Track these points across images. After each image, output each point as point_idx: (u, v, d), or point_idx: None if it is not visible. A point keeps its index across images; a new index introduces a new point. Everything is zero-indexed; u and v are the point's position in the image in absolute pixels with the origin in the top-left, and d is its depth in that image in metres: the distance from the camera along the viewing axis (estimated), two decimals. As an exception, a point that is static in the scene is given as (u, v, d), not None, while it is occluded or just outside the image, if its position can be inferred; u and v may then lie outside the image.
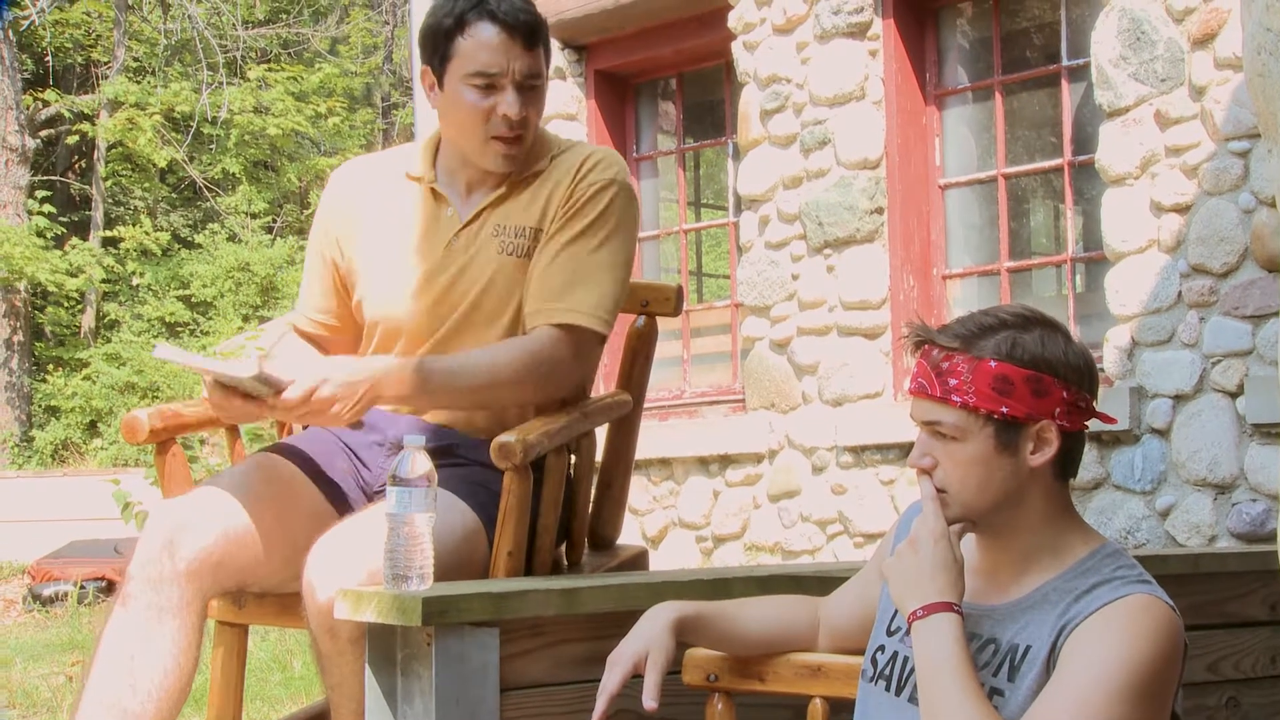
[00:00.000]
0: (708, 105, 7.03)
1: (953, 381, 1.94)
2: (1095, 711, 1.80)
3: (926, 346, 1.99)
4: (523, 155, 2.84)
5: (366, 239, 2.93)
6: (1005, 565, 1.99)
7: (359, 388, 2.59)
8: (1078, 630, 1.86)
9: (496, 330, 2.82)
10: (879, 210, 5.93)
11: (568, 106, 6.94)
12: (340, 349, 3.05)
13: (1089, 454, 5.26)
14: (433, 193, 2.90)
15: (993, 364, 1.93)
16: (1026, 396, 1.92)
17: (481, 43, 2.77)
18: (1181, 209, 5.07)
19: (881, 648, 2.06)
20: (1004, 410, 1.92)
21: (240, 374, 2.56)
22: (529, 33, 2.78)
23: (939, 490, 1.96)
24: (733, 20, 6.32)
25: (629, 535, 3.99)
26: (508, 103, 2.77)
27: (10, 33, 17.96)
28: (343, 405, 2.58)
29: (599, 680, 2.14)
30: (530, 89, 2.80)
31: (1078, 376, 1.95)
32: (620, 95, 7.08)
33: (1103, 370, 5.29)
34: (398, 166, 2.96)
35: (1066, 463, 1.97)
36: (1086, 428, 1.97)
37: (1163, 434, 5.12)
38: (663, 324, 3.26)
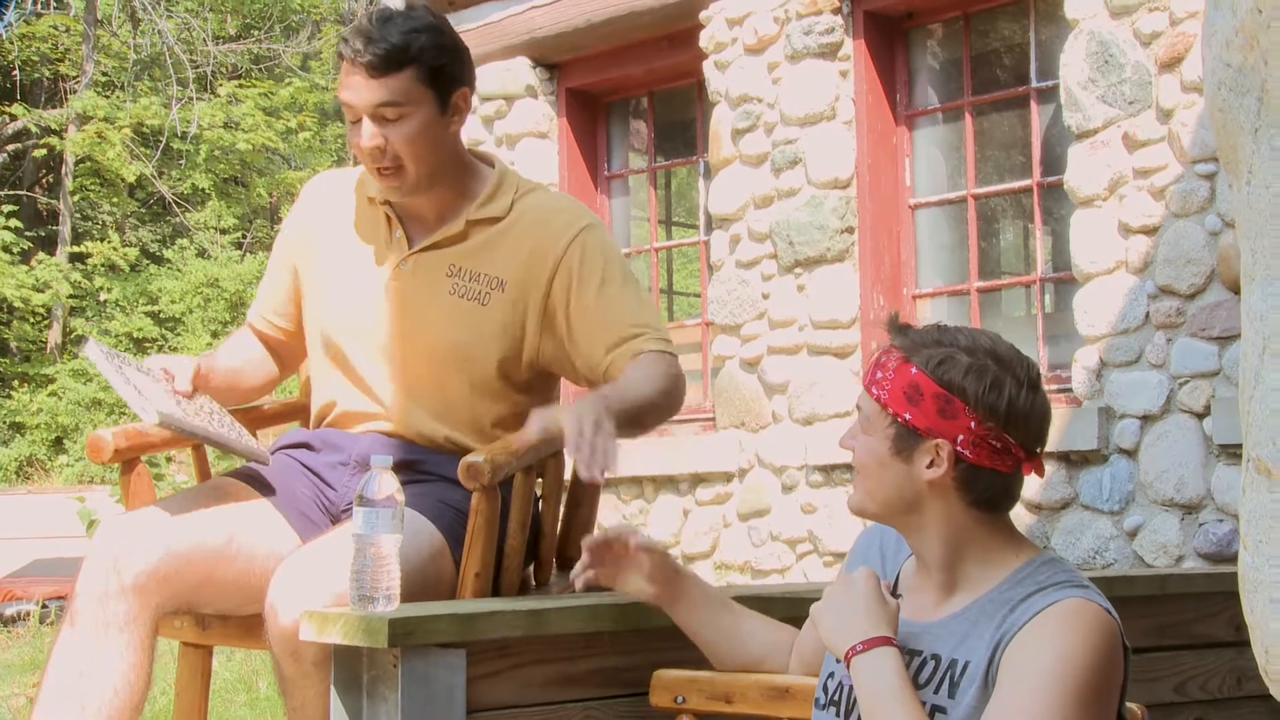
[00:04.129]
0: (679, 124, 7.04)
1: (879, 375, 2.00)
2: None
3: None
4: (410, 186, 2.79)
5: (324, 251, 2.93)
6: (934, 578, 2.01)
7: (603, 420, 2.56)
8: (1013, 641, 1.87)
9: (437, 367, 2.81)
10: (849, 230, 5.95)
11: (539, 125, 6.94)
12: (291, 354, 3.07)
13: (1057, 473, 5.27)
14: (386, 216, 2.89)
15: (913, 371, 1.97)
16: (931, 412, 1.95)
17: (343, 75, 2.76)
18: (1149, 230, 5.10)
19: (831, 674, 2.07)
20: (906, 417, 1.96)
21: (148, 420, 2.60)
22: (376, 64, 2.69)
23: (856, 474, 2.04)
24: (704, 40, 6.33)
25: (598, 555, 3.99)
26: (361, 133, 2.74)
27: (-22, 46, 17.89)
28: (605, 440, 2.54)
29: (567, 702, 2.14)
30: (389, 119, 2.73)
31: (992, 414, 1.93)
32: (591, 113, 7.08)
33: (1070, 390, 5.31)
34: (366, 185, 2.95)
35: (976, 492, 1.96)
36: (1005, 469, 1.96)
37: (1130, 454, 5.14)
38: (632, 343, 3.25)
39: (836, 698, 2.03)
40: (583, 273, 2.82)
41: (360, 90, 2.72)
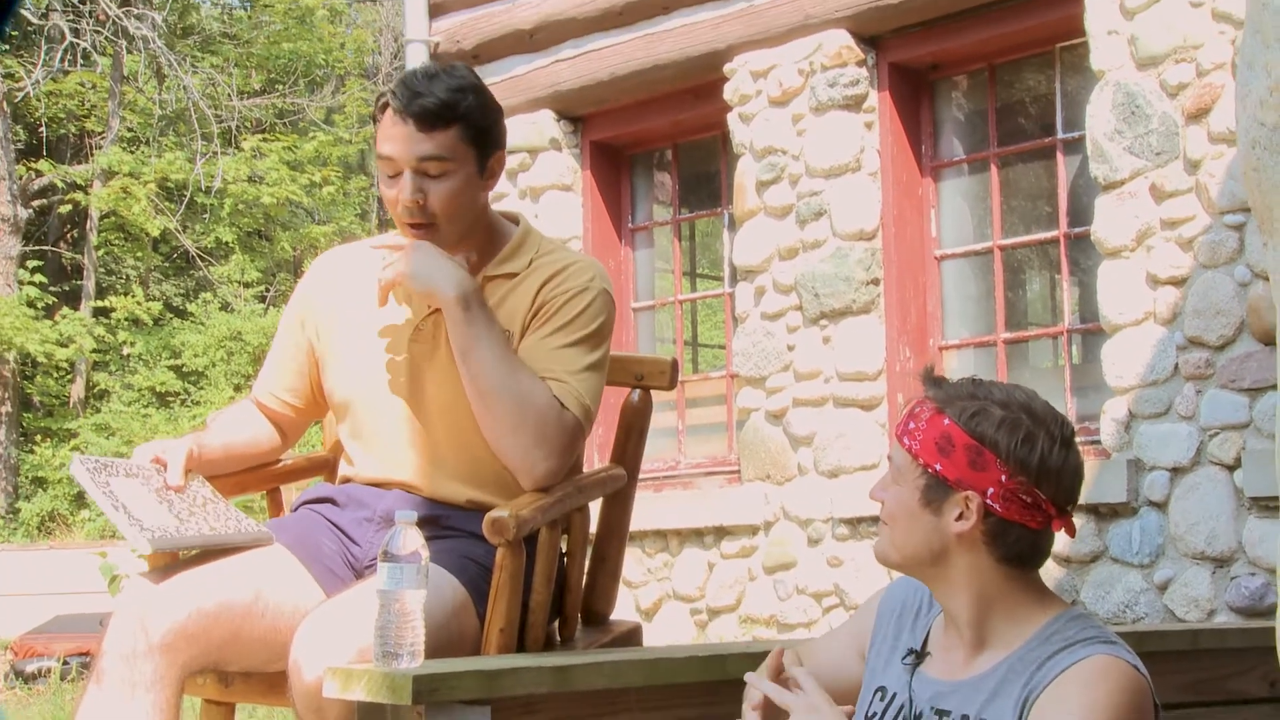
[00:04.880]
0: (703, 176, 7.04)
1: (911, 425, 1.99)
2: None
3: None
4: (439, 244, 2.76)
5: (341, 323, 2.91)
6: (963, 635, 1.99)
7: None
8: (1041, 698, 1.85)
9: (458, 428, 2.77)
10: (875, 281, 5.92)
11: (563, 177, 6.95)
12: (294, 427, 3.04)
13: (1086, 526, 5.22)
14: None
15: (946, 422, 1.96)
16: (962, 463, 1.93)
17: (384, 127, 2.74)
18: (1177, 281, 5.06)
19: (880, 691, 2.06)
20: (936, 468, 1.95)
21: (143, 551, 2.57)
22: (424, 116, 2.69)
23: (884, 524, 2.02)
24: (728, 92, 6.34)
25: (622, 607, 3.94)
26: (401, 187, 2.73)
27: (4, 104, 18.05)
28: None
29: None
30: (430, 175, 2.72)
31: (1023, 469, 1.92)
32: (616, 166, 7.09)
33: (1099, 442, 5.26)
34: (372, 249, 2.94)
35: (1005, 547, 1.94)
36: (1035, 525, 1.94)
37: (1160, 507, 5.08)
38: (657, 395, 3.23)
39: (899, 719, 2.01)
40: (555, 314, 2.79)
41: (405, 143, 2.71)
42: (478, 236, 2.84)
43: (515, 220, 2.96)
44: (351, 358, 2.88)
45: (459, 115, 2.71)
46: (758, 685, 2.02)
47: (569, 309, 2.79)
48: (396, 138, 2.71)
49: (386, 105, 2.73)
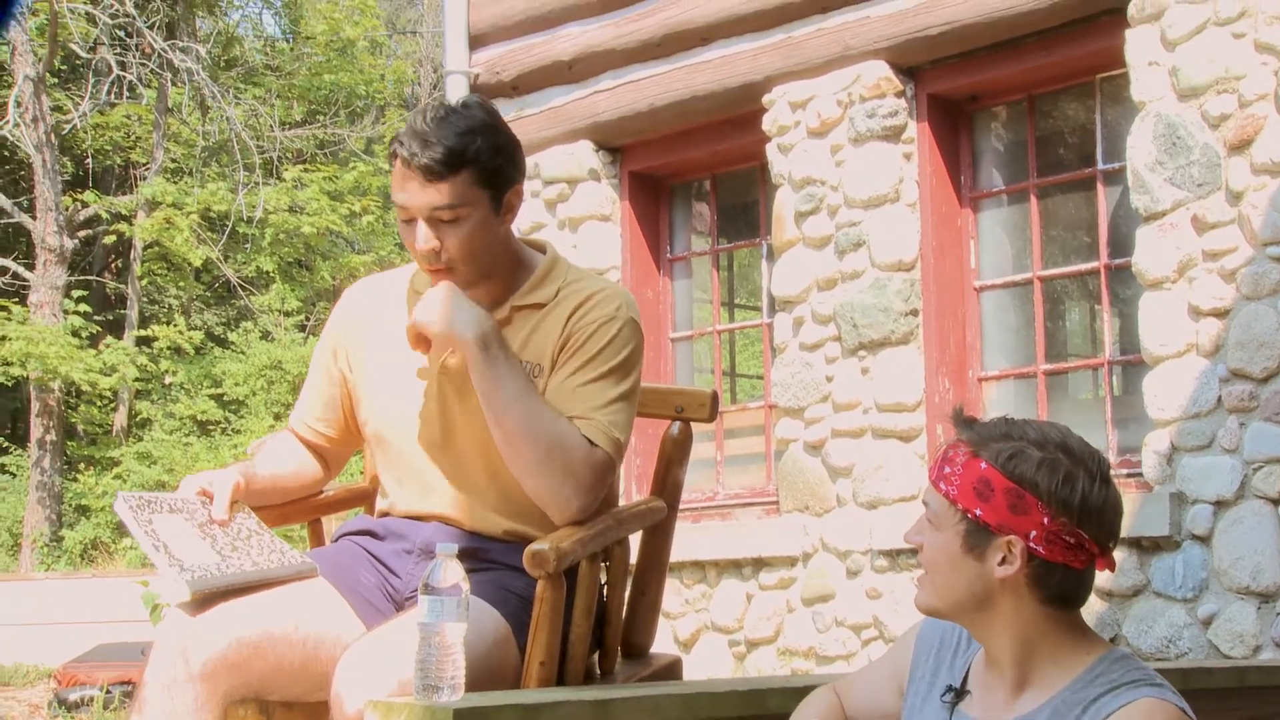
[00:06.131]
0: (742, 206, 7.05)
1: (947, 470, 1.97)
2: None
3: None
4: (462, 284, 2.76)
5: (372, 354, 2.92)
6: (1006, 676, 1.97)
7: None
8: None
9: (491, 459, 2.77)
10: (914, 312, 5.91)
11: (602, 208, 6.97)
12: (336, 457, 3.05)
13: (1128, 560, 5.18)
14: None
15: (983, 465, 1.94)
16: (1002, 508, 1.91)
17: (396, 176, 2.75)
18: (1220, 313, 5.03)
19: None
20: (977, 513, 1.93)
21: (180, 598, 2.58)
22: (432, 167, 2.68)
23: (924, 573, 2.00)
24: (767, 123, 6.35)
25: (661, 639, 3.93)
26: (417, 235, 2.73)
27: (52, 136, 18.24)
28: None
29: (632, 796, 2.09)
30: (444, 221, 2.71)
31: (1066, 509, 1.90)
32: (654, 196, 7.10)
33: (1140, 475, 5.22)
34: (406, 281, 2.95)
35: (1049, 588, 1.93)
36: (1079, 565, 1.93)
37: (1204, 540, 5.04)
38: (696, 426, 3.23)
39: None
40: (582, 346, 2.79)
41: (416, 194, 2.71)
42: (502, 270, 2.84)
43: (542, 249, 2.96)
44: (383, 391, 2.89)
45: (468, 160, 2.69)
46: None
47: (596, 339, 2.79)
48: (407, 189, 2.72)
49: (394, 151, 2.74)
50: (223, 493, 2.81)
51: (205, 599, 2.67)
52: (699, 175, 7.05)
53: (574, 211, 7.00)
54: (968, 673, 2.05)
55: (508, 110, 7.26)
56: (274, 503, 2.98)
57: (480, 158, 2.71)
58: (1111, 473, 1.98)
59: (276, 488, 2.98)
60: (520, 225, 7.17)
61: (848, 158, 6.09)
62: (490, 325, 2.70)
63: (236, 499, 2.83)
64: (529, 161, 7.12)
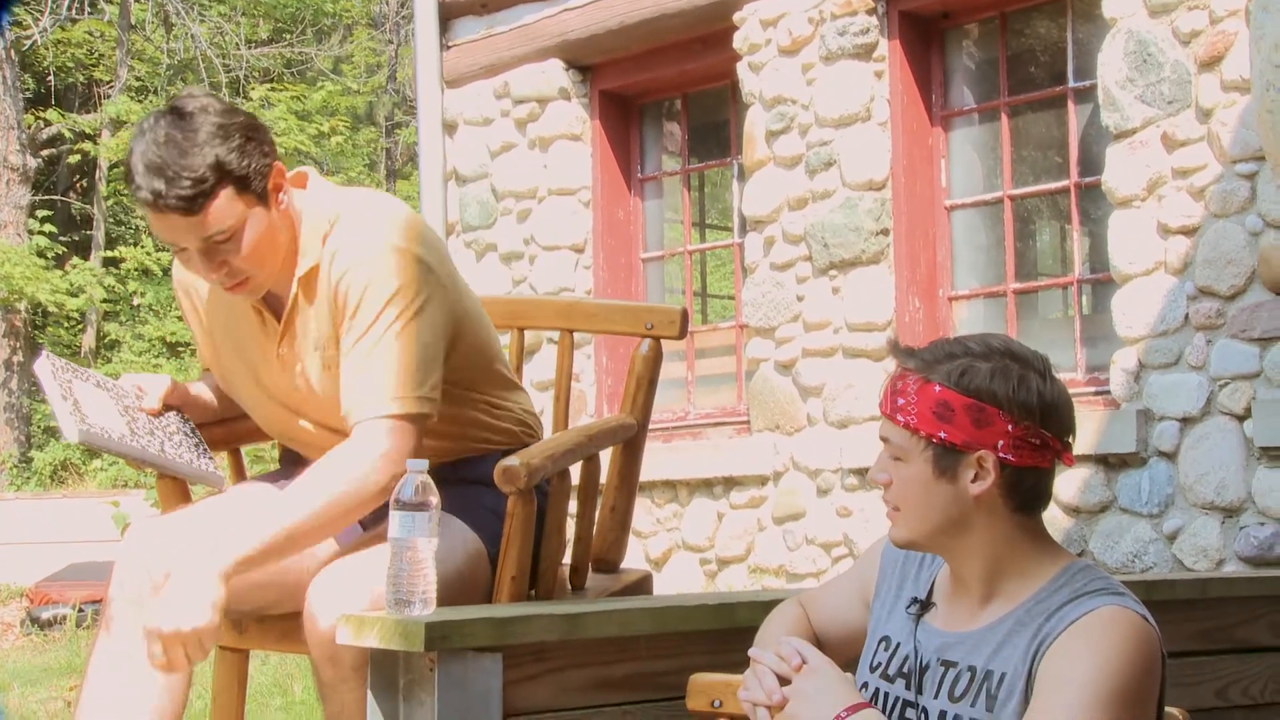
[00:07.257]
0: (712, 126, 7.02)
1: (901, 401, 1.96)
2: None
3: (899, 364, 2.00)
4: (261, 286, 2.64)
5: (219, 336, 2.82)
6: (972, 591, 1.99)
7: None
8: (1050, 649, 1.85)
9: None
10: (884, 232, 5.91)
11: (572, 127, 6.93)
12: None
13: (1095, 476, 5.23)
14: (254, 307, 2.75)
15: (937, 389, 1.93)
16: (966, 425, 1.91)
17: (151, 219, 2.57)
18: (1188, 231, 5.05)
19: (865, 684, 2.05)
20: (941, 435, 1.92)
21: (68, 438, 2.56)
22: (182, 206, 2.49)
23: (894, 509, 1.98)
24: (738, 41, 6.31)
25: (632, 558, 3.95)
26: (199, 266, 2.58)
27: (12, 52, 18.00)
28: None
29: (603, 706, 2.12)
30: (220, 244, 2.55)
31: (1027, 412, 1.91)
32: (625, 116, 7.06)
33: (1109, 392, 5.26)
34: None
35: (1020, 495, 1.94)
36: (1046, 465, 1.94)
37: (1170, 457, 5.09)
38: (667, 345, 3.23)
39: (904, 670, 2.01)
40: (354, 317, 2.61)
41: (183, 232, 2.53)
42: (293, 250, 2.67)
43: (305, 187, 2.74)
44: (241, 381, 2.81)
45: (220, 176, 2.51)
46: (761, 659, 2.02)
47: (365, 310, 2.59)
48: (169, 228, 2.54)
49: (139, 197, 2.53)
50: (157, 388, 2.79)
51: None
52: (670, 94, 7.01)
53: (544, 131, 6.96)
54: (933, 585, 2.07)
55: (476, 28, 7.20)
56: (222, 418, 2.95)
57: (229, 168, 2.52)
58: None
59: (225, 402, 2.94)
60: (490, 145, 7.13)
61: (819, 76, 6.07)
62: (216, 565, 2.44)
63: (175, 404, 2.81)
64: (499, 80, 7.12)
